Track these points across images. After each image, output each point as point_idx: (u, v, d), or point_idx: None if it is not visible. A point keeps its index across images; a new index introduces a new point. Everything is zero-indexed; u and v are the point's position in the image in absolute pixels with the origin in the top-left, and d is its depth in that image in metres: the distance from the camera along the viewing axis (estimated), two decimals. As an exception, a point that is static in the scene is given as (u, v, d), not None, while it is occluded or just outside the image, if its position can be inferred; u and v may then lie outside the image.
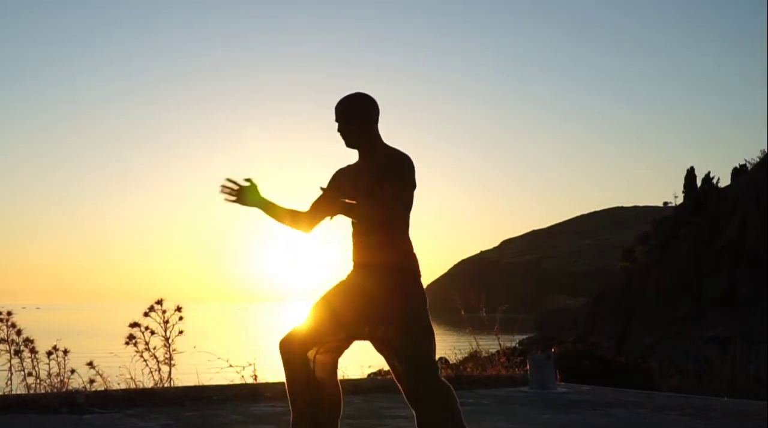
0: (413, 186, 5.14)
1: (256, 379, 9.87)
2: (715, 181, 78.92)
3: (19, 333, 9.17)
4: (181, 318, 9.44)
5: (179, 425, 7.39)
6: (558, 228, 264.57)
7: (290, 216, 5.30)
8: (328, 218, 5.19)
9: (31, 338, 9.20)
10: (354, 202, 5.05)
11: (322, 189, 5.30)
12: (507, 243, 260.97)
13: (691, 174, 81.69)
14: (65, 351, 9.22)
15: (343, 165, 5.38)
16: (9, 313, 9.17)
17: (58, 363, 9.15)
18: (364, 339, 5.12)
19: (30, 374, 9.10)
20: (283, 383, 9.87)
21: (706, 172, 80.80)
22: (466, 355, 12.48)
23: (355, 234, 5.25)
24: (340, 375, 5.19)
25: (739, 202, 66.84)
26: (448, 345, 17.61)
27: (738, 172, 78.08)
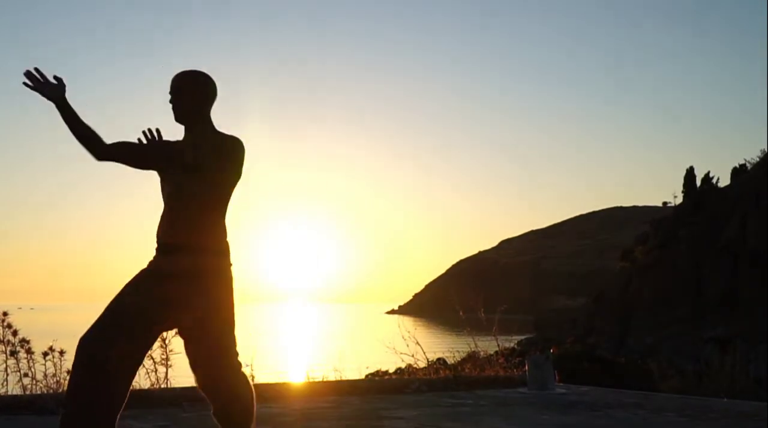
0: (239, 171, 5.03)
1: (253, 380, 9.79)
2: (714, 180, 78.98)
3: (15, 333, 9.12)
4: None
5: (176, 426, 7.39)
6: (557, 228, 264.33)
7: (88, 132, 5.01)
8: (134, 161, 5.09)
9: (27, 339, 9.15)
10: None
11: (145, 137, 4.91)
12: (506, 244, 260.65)
13: (690, 174, 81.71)
14: (61, 352, 9.16)
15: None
16: (5, 314, 9.13)
17: (54, 364, 9.11)
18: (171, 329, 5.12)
19: (26, 375, 9.05)
20: (281, 384, 9.57)
21: (706, 171, 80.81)
22: (465, 356, 12.47)
23: (173, 211, 4.94)
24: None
25: (738, 201, 66.74)
26: (446, 346, 17.60)
27: (738, 172, 78.08)
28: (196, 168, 4.84)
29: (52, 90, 4.92)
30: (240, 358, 5.03)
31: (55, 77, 4.96)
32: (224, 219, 5.00)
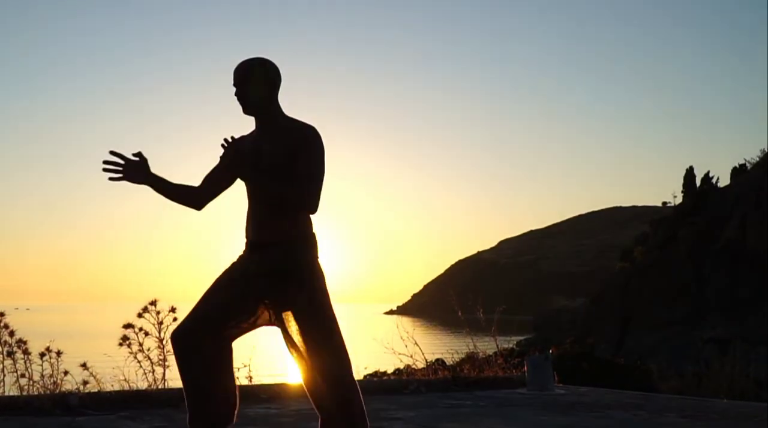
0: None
1: (251, 380, 9.79)
2: (714, 180, 78.99)
3: (12, 334, 9.05)
4: (175, 320, 8.92)
5: (173, 427, 7.29)
6: (556, 228, 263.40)
7: (180, 192, 5.05)
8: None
9: (24, 339, 9.06)
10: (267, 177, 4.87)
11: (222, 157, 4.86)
12: (504, 244, 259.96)
13: (690, 173, 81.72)
14: (58, 353, 9.08)
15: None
16: (2, 314, 9.10)
17: (51, 365, 9.03)
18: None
19: (23, 375, 8.95)
20: (277, 384, 9.31)
21: (706, 171, 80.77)
22: (463, 356, 12.42)
23: (259, 208, 4.96)
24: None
25: (738, 202, 66.81)
26: (445, 346, 17.58)
27: (738, 172, 78.10)
28: (273, 175, 4.85)
29: (137, 171, 4.88)
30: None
31: (135, 154, 4.89)
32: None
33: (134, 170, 4.85)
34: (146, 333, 9.13)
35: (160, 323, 9.12)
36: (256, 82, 4.98)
